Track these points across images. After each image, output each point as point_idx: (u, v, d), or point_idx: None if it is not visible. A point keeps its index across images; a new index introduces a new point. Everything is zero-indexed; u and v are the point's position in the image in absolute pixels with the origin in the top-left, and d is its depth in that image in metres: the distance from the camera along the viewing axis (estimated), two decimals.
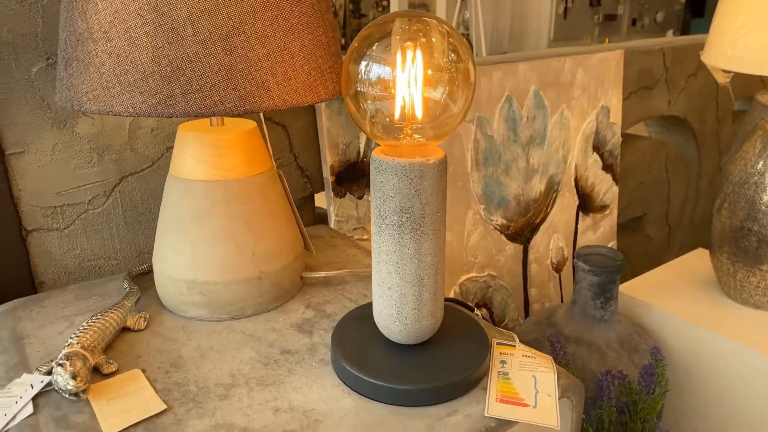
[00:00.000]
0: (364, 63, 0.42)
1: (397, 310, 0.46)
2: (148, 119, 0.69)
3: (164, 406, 0.44)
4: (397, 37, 0.42)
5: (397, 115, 0.43)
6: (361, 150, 0.84)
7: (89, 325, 0.50)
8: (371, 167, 0.44)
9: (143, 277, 0.63)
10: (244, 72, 0.44)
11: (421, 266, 0.45)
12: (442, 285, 0.47)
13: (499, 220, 1.06)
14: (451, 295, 1.02)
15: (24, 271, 0.66)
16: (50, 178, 0.65)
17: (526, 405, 0.45)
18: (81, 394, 0.44)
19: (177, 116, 0.43)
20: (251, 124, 0.57)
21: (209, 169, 0.54)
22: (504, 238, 1.08)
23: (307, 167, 0.84)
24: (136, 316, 0.55)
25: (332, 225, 0.84)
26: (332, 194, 0.83)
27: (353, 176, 0.84)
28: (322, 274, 0.62)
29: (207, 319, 0.56)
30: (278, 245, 0.57)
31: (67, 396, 0.44)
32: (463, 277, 1.03)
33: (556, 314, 0.99)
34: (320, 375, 0.48)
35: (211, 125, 0.56)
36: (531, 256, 1.13)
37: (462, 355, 0.48)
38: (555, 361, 0.77)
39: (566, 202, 1.17)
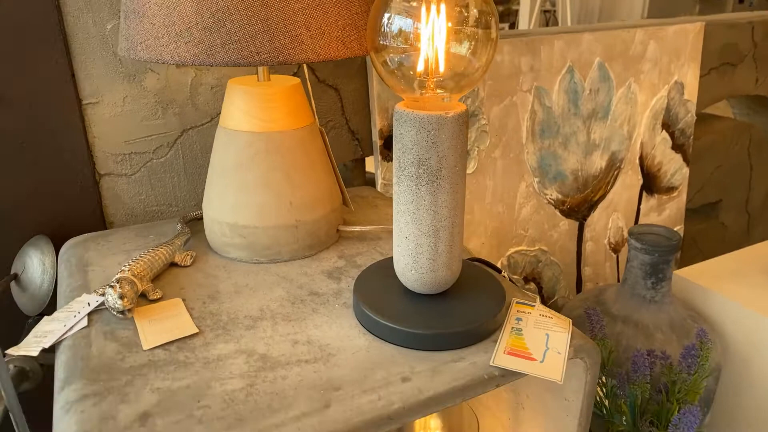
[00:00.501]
0: (387, 15, 0.44)
1: (413, 259, 0.48)
2: (208, 77, 0.73)
3: (196, 330, 0.49)
4: None
5: (420, 68, 0.44)
6: None
7: (141, 257, 0.55)
8: (394, 119, 0.46)
9: (196, 222, 0.69)
10: (280, 25, 0.47)
11: (436, 218, 0.47)
12: (460, 239, 0.49)
13: (554, 194, 1.04)
14: (499, 265, 1.02)
15: (96, 210, 0.73)
16: (120, 127, 0.71)
17: (533, 359, 0.46)
18: (126, 313, 0.49)
19: (217, 65, 0.47)
20: (295, 80, 0.60)
21: (253, 120, 0.57)
22: (558, 213, 1.06)
23: (357, 130, 0.87)
24: (184, 253, 0.60)
25: (379, 188, 0.86)
26: (380, 158, 0.85)
27: None
28: (357, 228, 0.65)
29: (246, 261, 0.60)
30: (315, 197, 0.60)
31: (115, 313, 0.49)
32: (512, 250, 1.03)
33: (606, 293, 0.97)
34: (341, 316, 0.52)
35: (258, 81, 0.60)
36: (587, 233, 1.11)
37: (477, 308, 0.50)
38: (591, 334, 0.76)
39: (629, 180, 1.13)
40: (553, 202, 1.05)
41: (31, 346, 0.48)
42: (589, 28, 1.02)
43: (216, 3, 0.46)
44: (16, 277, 0.67)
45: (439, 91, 0.46)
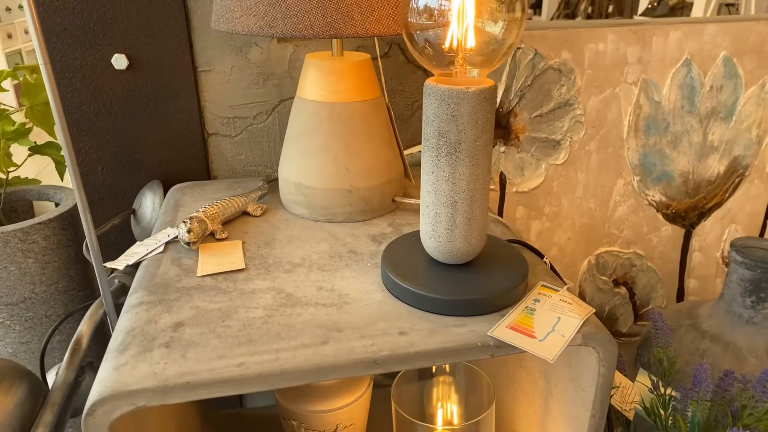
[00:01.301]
0: None
1: (432, 227, 0.51)
2: (305, 52, 0.81)
3: (243, 266, 0.57)
4: None
5: (446, 44, 0.47)
6: (498, 100, 0.86)
7: (217, 203, 0.65)
8: (423, 92, 0.49)
9: (276, 182, 0.77)
10: (333, 1, 0.52)
11: (455, 189, 0.49)
12: (481, 212, 0.50)
13: (656, 196, 0.98)
14: (585, 265, 0.99)
15: (203, 165, 0.85)
16: (227, 93, 0.82)
17: (533, 337, 0.47)
18: (191, 245, 0.58)
19: (277, 36, 0.53)
20: (364, 56, 0.65)
21: (320, 91, 0.63)
22: (661, 216, 0.99)
23: None
24: (257, 205, 0.69)
25: None
26: None
27: None
28: (413, 200, 0.68)
29: (306, 218, 0.67)
30: (372, 166, 0.65)
31: (182, 244, 0.59)
32: (602, 249, 0.99)
33: (701, 307, 0.90)
34: (368, 273, 0.56)
35: (332, 56, 0.66)
36: (695, 243, 1.03)
37: (492, 283, 0.51)
38: (654, 341, 0.72)
39: (755, 190, 1.02)
40: (655, 204, 0.99)
41: (120, 262, 0.59)
42: (715, 19, 0.93)
43: None
44: (134, 212, 0.81)
45: (468, 67, 0.48)
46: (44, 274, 0.90)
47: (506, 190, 0.92)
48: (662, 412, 0.69)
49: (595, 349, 0.49)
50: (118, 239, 0.84)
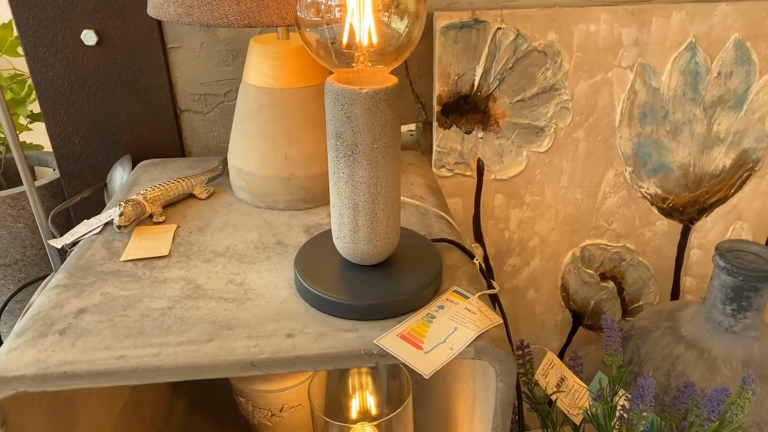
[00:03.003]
0: None
1: (337, 227, 0.50)
2: (272, 31, 0.79)
3: (166, 253, 0.57)
4: None
5: (339, 42, 0.44)
6: (476, 83, 0.82)
7: (161, 185, 0.65)
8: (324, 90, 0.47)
9: None
10: None
11: (355, 192, 0.47)
12: (387, 216, 0.49)
13: (651, 188, 0.92)
14: (569, 257, 0.95)
15: (177, 141, 0.86)
16: (197, 70, 0.82)
17: (419, 348, 0.46)
18: (122, 228, 0.59)
19: (194, 24, 0.52)
20: None
21: (260, 76, 0.62)
22: (656, 210, 0.94)
23: (422, 93, 0.86)
24: (204, 188, 0.69)
25: (434, 156, 0.85)
26: (436, 124, 0.84)
27: (462, 109, 0.83)
28: None
29: (249, 203, 0.67)
30: (312, 154, 0.64)
31: (114, 227, 0.60)
32: (589, 242, 0.94)
33: (685, 309, 0.85)
34: (285, 268, 0.56)
35: (278, 39, 0.64)
36: (693, 239, 0.97)
37: (397, 287, 0.50)
38: (604, 346, 0.69)
39: (765, 186, 0.94)
40: (649, 197, 0.93)
41: (61, 240, 0.62)
42: None
43: None
44: (105, 185, 0.83)
45: (367, 64, 0.45)
46: (34, 238, 0.95)
47: (484, 177, 0.88)
48: (606, 420, 0.67)
49: (492, 365, 0.47)
50: (93, 212, 0.87)
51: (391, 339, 0.46)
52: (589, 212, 0.93)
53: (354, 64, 0.46)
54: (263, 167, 0.64)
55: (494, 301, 0.55)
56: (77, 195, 0.79)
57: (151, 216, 0.64)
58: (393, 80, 0.45)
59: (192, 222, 0.64)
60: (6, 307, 0.93)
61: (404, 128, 0.99)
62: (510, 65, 0.82)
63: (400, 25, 0.45)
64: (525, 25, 0.80)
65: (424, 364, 0.44)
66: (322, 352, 0.45)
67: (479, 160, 0.87)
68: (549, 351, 0.75)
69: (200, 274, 0.55)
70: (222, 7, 0.51)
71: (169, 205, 0.66)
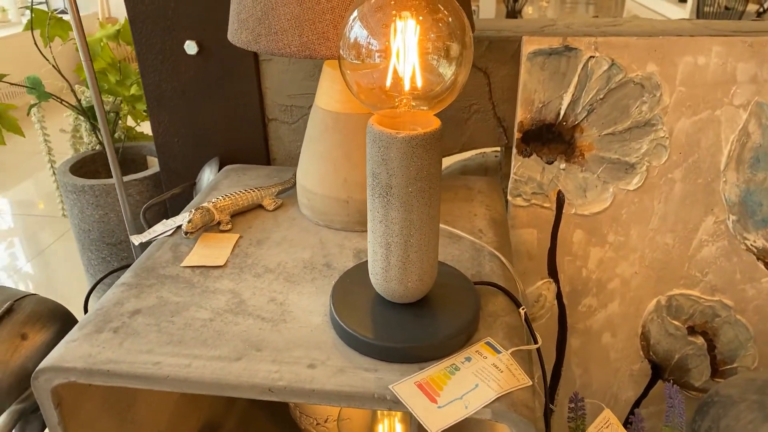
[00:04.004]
0: (355, 28, 0.44)
1: (372, 263, 0.50)
2: None
3: (222, 264, 0.61)
4: (392, 2, 0.42)
5: (388, 84, 0.44)
6: (562, 112, 0.78)
7: (232, 195, 0.69)
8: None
9: None
10: (308, 22, 0.51)
11: (388, 232, 0.47)
12: (420, 259, 0.48)
13: (759, 241, 0.82)
14: (653, 304, 0.88)
15: (263, 147, 0.90)
16: (286, 82, 0.85)
17: (434, 401, 0.44)
18: (188, 234, 0.64)
19: (261, 52, 0.54)
20: None
21: (328, 99, 0.63)
22: (762, 266, 0.84)
23: (504, 118, 0.83)
24: (272, 200, 0.72)
25: (510, 184, 0.82)
26: (515, 151, 0.81)
27: (545, 138, 0.80)
28: None
29: (310, 219, 0.69)
30: None
31: (182, 232, 0.65)
32: (677, 291, 0.87)
33: None
34: (324, 293, 0.57)
35: None
36: None
37: (425, 333, 0.49)
38: (666, 418, 0.63)
39: None
40: (756, 250, 0.82)
41: (139, 237, 0.67)
42: None
43: None
44: (194, 184, 0.89)
45: (412, 104, 0.45)
46: (137, 222, 1.05)
47: (564, 211, 0.84)
48: None
49: (509, 429, 0.45)
50: (183, 207, 0.94)
51: (407, 386, 0.45)
52: (681, 259, 0.84)
53: (396, 107, 0.45)
54: (324, 187, 0.65)
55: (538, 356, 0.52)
56: (168, 192, 0.86)
57: (219, 223, 0.68)
58: (435, 124, 0.44)
59: (254, 233, 0.67)
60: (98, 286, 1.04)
61: (491, 148, 0.96)
62: (601, 96, 0.77)
63: (447, 71, 0.43)
64: (622, 54, 0.74)
65: (434, 419, 0.43)
66: (338, 389, 0.46)
67: (560, 192, 0.83)
68: (606, 408, 0.69)
69: (247, 289, 0.57)
70: (285, 38, 0.52)
71: (238, 214, 0.70)
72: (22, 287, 1.62)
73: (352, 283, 0.55)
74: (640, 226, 0.83)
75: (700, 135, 0.77)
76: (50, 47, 1.07)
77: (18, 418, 0.61)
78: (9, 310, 0.66)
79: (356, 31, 0.42)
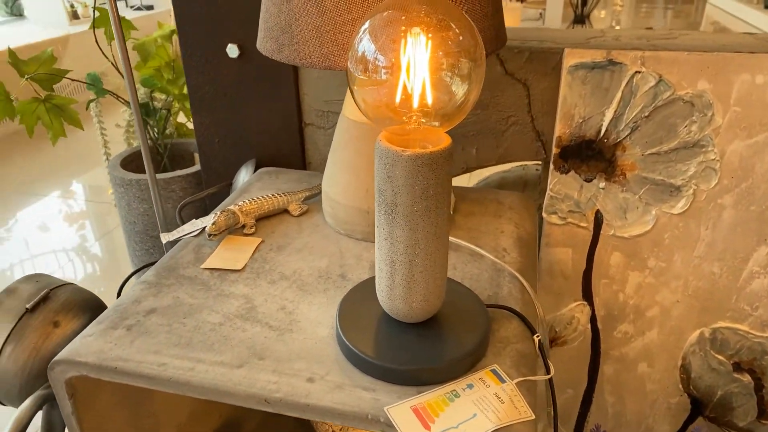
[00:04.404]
0: (364, 42, 0.43)
1: (378, 280, 0.49)
2: None
3: (240, 268, 0.62)
4: (403, 17, 0.41)
5: (397, 100, 0.43)
6: (603, 129, 0.74)
7: (258, 199, 0.70)
8: None
9: None
10: (329, 33, 0.51)
11: (393, 250, 0.46)
12: (426, 279, 0.46)
13: None
14: (695, 336, 0.83)
15: (299, 152, 0.91)
16: (322, 88, 0.85)
17: (427, 428, 0.43)
18: (211, 237, 0.65)
19: (284, 61, 0.54)
20: None
21: (353, 109, 0.63)
22: None
23: (543, 132, 0.80)
24: (298, 205, 0.72)
25: (545, 201, 0.79)
26: (552, 167, 0.78)
27: (584, 155, 0.76)
28: None
29: (333, 228, 0.69)
30: None
31: (205, 234, 0.66)
32: (723, 324, 0.81)
33: None
34: (334, 305, 0.56)
35: None
36: None
37: (428, 356, 0.47)
38: None
39: None
40: None
41: (167, 236, 0.69)
42: None
43: (290, 6, 0.53)
44: (230, 184, 0.91)
45: (420, 123, 0.43)
46: (185, 213, 1.08)
47: (601, 232, 0.80)
48: None
49: None
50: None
51: (402, 410, 0.44)
52: (728, 291, 0.79)
53: (405, 124, 0.44)
54: (346, 196, 0.65)
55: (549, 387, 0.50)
56: (203, 191, 0.88)
57: (243, 226, 0.68)
58: (445, 142, 0.43)
59: (276, 238, 0.67)
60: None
61: (532, 161, 0.93)
62: (646, 113, 0.72)
63: (458, 89, 0.42)
64: (670, 70, 0.70)
65: None
66: (332, 406, 0.45)
67: (598, 212, 0.79)
68: None
69: (260, 295, 0.58)
70: (306, 49, 0.52)
71: (263, 218, 0.71)
72: (89, 267, 1.71)
73: (361, 298, 0.54)
74: (684, 253, 0.78)
75: (755, 159, 0.72)
76: (111, 45, 1.13)
77: (43, 403, 0.64)
78: (45, 298, 0.70)
79: (365, 45, 0.41)
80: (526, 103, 0.79)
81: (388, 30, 0.41)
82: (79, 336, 0.53)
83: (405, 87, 0.42)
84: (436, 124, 0.44)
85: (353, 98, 0.44)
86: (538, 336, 0.53)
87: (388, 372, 0.47)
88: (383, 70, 0.41)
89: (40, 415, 0.67)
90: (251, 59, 0.85)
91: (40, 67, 1.11)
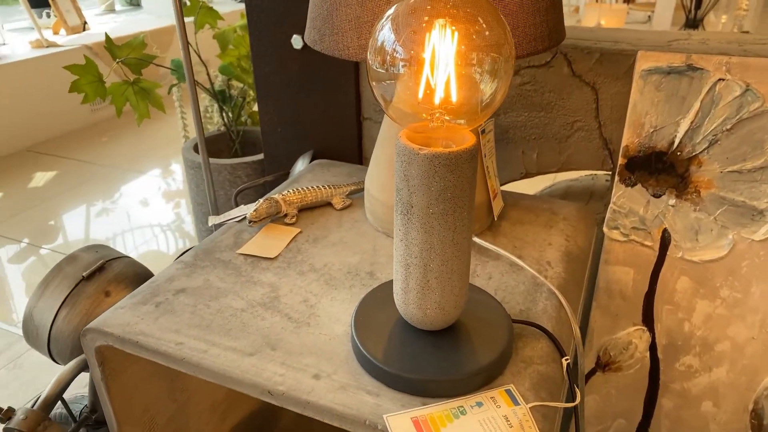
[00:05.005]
0: (384, 32, 0.41)
1: (394, 282, 0.47)
2: None
3: (273, 256, 0.62)
4: (428, 7, 0.38)
5: (420, 95, 0.41)
6: (677, 141, 0.68)
7: (303, 189, 0.70)
8: None
9: None
10: (368, 24, 0.49)
11: (407, 252, 0.44)
12: (442, 286, 0.44)
13: None
14: (745, 406, 0.74)
15: (356, 145, 0.90)
16: None
17: None
18: (252, 223, 0.66)
19: (323, 51, 0.54)
20: None
21: None
22: None
23: (611, 140, 0.75)
24: (341, 199, 0.72)
25: (607, 213, 0.74)
26: (617, 179, 0.72)
27: (654, 167, 0.70)
28: (477, 240, 0.62)
29: (371, 224, 0.68)
30: None
31: (246, 220, 0.67)
32: None
33: None
34: (356, 303, 0.55)
35: None
36: None
37: (439, 366, 0.45)
38: None
39: None
40: None
41: (214, 219, 0.71)
42: None
43: None
44: (287, 174, 0.92)
45: (443, 120, 0.41)
46: (243, 201, 1.11)
47: (668, 253, 0.73)
48: None
49: None
50: None
51: (401, 420, 0.42)
52: None
53: (428, 121, 0.42)
54: (384, 193, 0.63)
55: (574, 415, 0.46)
56: (260, 179, 0.90)
57: (285, 216, 0.69)
58: (468, 142, 0.40)
59: (314, 230, 0.67)
60: None
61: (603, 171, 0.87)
62: (728, 126, 0.65)
63: (485, 87, 0.39)
64: (761, 78, 0.62)
65: None
66: (331, 406, 0.44)
67: (665, 231, 0.72)
68: None
69: (286, 285, 0.58)
70: (345, 40, 0.51)
71: (304, 209, 0.71)
72: (180, 242, 1.81)
73: (382, 299, 0.52)
74: (763, 284, 0.70)
75: None
76: (195, 35, 1.18)
77: (85, 366, 0.68)
78: (101, 268, 0.74)
79: (385, 34, 0.39)
80: (594, 108, 0.74)
81: (410, 20, 0.38)
82: (113, 307, 0.55)
83: (428, 82, 0.40)
84: (462, 122, 0.41)
85: (372, 92, 0.42)
86: (567, 359, 0.49)
87: (395, 378, 0.45)
88: (401, 63, 0.39)
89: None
90: (314, 51, 0.85)
91: (132, 52, 1.18)
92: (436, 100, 0.40)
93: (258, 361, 0.48)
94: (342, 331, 0.51)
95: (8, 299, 1.57)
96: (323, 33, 0.53)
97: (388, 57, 0.39)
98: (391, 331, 0.49)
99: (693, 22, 3.51)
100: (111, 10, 3.73)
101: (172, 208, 2.04)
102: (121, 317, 0.53)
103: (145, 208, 2.05)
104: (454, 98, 0.40)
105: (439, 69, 0.39)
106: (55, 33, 2.97)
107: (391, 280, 0.55)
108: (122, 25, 3.30)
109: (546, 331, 0.50)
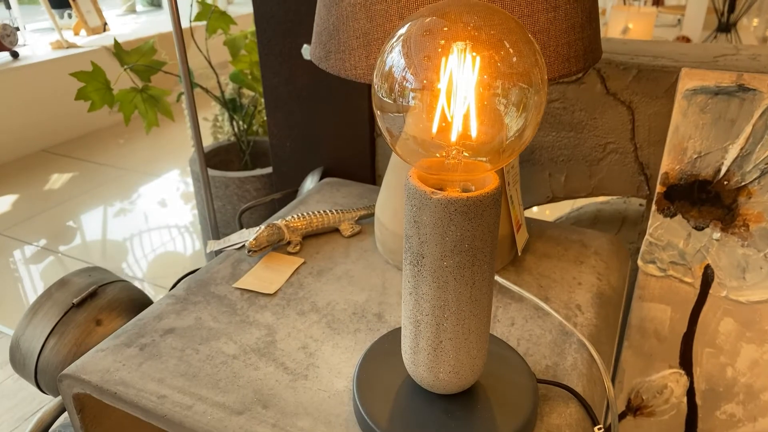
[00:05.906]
0: (392, 62, 0.35)
1: (402, 338, 0.41)
2: None
3: (272, 292, 0.56)
4: (445, 28, 0.32)
5: (434, 130, 0.35)
6: (724, 169, 0.61)
7: (307, 214, 0.65)
8: None
9: None
10: (378, 41, 0.44)
11: (417, 308, 0.38)
12: (456, 348, 0.38)
13: None
14: None
15: (369, 163, 0.85)
16: None
17: None
18: (251, 252, 0.60)
19: (328, 71, 0.48)
20: None
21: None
22: None
23: (648, 164, 0.68)
24: (350, 225, 0.66)
25: (642, 244, 0.67)
26: (654, 208, 0.65)
27: (696, 197, 0.63)
28: (498, 279, 0.55)
29: (381, 255, 0.62)
30: None
31: (245, 249, 0.61)
32: None
33: None
34: (360, 351, 0.49)
35: None
36: None
37: None
38: None
39: None
40: None
41: (213, 245, 0.66)
42: None
43: (339, 10, 0.46)
44: (296, 191, 0.87)
45: (462, 157, 0.35)
46: (251, 217, 1.06)
47: (710, 291, 0.65)
48: None
49: None
50: None
51: None
52: None
53: (444, 158, 0.36)
54: (395, 223, 0.58)
55: None
56: (266, 197, 0.85)
57: (288, 243, 0.63)
58: (491, 185, 0.34)
59: (319, 261, 0.61)
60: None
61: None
62: None
63: (512, 122, 0.33)
64: None
65: None
66: None
67: (708, 267, 0.65)
68: None
69: (284, 327, 0.52)
70: (352, 58, 0.45)
71: (310, 236, 0.65)
72: (197, 244, 1.77)
73: (390, 351, 0.46)
74: None
75: None
76: (205, 41, 1.14)
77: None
78: (92, 294, 0.69)
79: (394, 58, 0.33)
80: (629, 129, 0.67)
81: (424, 43, 0.32)
82: (94, 348, 0.50)
83: (444, 114, 0.34)
84: (484, 159, 0.35)
85: (379, 125, 0.36)
86: (600, 428, 0.42)
87: None
88: (411, 95, 0.33)
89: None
90: None
91: (141, 58, 1.14)
92: (453, 136, 0.34)
93: (246, 421, 0.42)
94: (343, 387, 0.46)
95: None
96: (329, 50, 0.48)
97: (397, 85, 0.33)
98: (398, 392, 0.43)
99: (725, 26, 3.39)
100: (132, 10, 3.72)
101: (190, 209, 2.00)
102: (101, 362, 0.48)
103: (163, 209, 2.02)
104: (473, 134, 0.34)
105: (456, 100, 0.33)
106: (76, 34, 2.97)
107: (393, 332, 0.49)
108: (143, 26, 3.28)
109: (576, 394, 0.44)
